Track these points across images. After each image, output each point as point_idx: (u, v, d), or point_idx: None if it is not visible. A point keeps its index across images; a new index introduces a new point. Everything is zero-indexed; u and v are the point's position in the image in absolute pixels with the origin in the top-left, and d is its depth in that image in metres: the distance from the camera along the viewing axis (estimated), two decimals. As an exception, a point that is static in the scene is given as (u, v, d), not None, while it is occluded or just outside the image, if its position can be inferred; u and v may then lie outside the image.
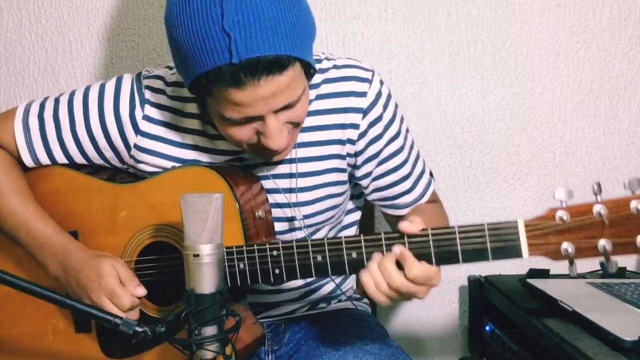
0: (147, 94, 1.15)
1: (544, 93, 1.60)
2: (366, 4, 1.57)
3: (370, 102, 1.13)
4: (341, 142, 1.15)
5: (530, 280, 1.36)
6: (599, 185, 0.88)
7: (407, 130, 1.22)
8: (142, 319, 1.08)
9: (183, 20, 0.93)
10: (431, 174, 1.28)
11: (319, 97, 1.14)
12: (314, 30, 1.02)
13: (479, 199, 1.63)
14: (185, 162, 1.16)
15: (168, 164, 1.16)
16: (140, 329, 0.87)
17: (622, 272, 1.45)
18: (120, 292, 1.03)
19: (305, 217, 1.17)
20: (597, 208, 0.86)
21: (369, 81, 1.14)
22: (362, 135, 1.14)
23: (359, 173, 1.19)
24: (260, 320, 1.22)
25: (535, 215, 0.90)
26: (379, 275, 0.93)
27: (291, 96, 0.98)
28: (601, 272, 1.43)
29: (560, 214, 0.88)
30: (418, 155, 1.24)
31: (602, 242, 0.87)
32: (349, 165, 1.18)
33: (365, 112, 1.13)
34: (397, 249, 0.93)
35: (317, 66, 1.15)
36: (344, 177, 1.19)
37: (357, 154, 1.16)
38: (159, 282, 1.12)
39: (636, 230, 0.85)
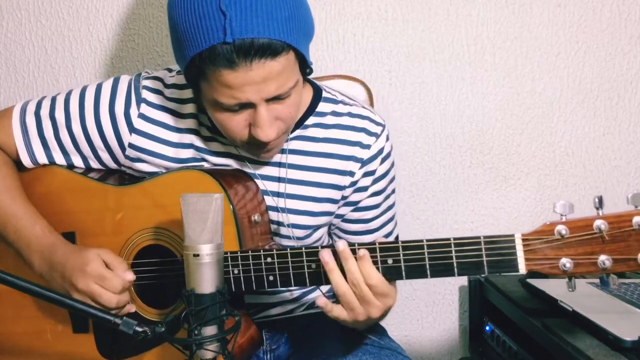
0: (145, 94, 1.16)
1: (544, 93, 1.60)
2: (366, 4, 1.57)
3: (371, 155, 1.16)
4: (338, 187, 1.17)
5: (530, 280, 1.36)
6: (600, 199, 0.86)
7: (393, 191, 1.25)
8: (140, 322, 1.07)
9: (182, 0, 0.95)
10: (397, 240, 1.28)
11: (327, 140, 1.17)
12: (311, 29, 1.03)
13: (479, 199, 1.63)
14: (180, 162, 1.16)
15: (164, 163, 1.16)
16: (140, 329, 0.87)
17: (622, 272, 1.45)
18: (109, 275, 1.03)
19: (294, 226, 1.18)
20: (598, 223, 0.85)
21: (377, 136, 1.17)
22: (353, 183, 1.17)
23: (335, 213, 1.21)
24: (259, 320, 1.22)
25: (535, 215, 0.90)
26: (359, 273, 0.93)
27: (282, 86, 0.98)
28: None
29: (559, 228, 0.87)
30: (391, 218, 1.26)
31: (602, 258, 0.86)
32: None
33: (364, 163, 1.16)
34: (363, 251, 0.93)
35: (332, 108, 1.18)
36: (330, 219, 1.21)
37: (343, 198, 1.19)
38: (155, 285, 1.11)
39: (638, 247, 0.84)
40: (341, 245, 0.93)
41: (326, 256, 0.94)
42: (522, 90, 1.60)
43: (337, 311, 0.96)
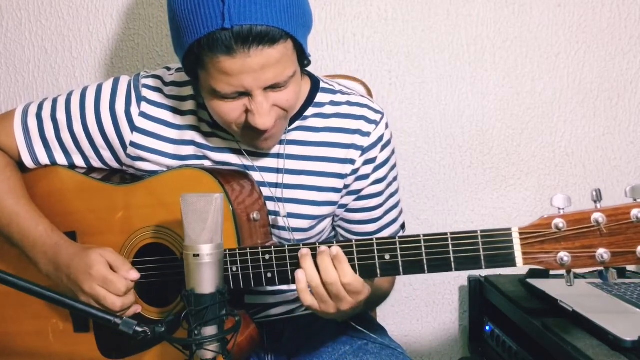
0: (144, 92, 1.16)
1: (544, 93, 1.60)
2: (366, 4, 1.57)
3: (371, 143, 1.16)
4: (340, 176, 1.17)
5: (530, 280, 1.36)
6: (598, 192, 0.85)
7: (395, 179, 1.24)
8: (140, 321, 1.07)
9: None
10: (403, 227, 1.29)
11: (328, 129, 1.17)
12: (310, 20, 1.04)
13: (479, 199, 1.63)
14: (181, 159, 1.17)
15: (165, 161, 1.17)
16: (140, 329, 0.87)
17: (622, 272, 1.45)
18: (112, 277, 1.03)
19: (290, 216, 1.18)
20: (596, 216, 0.84)
21: (376, 123, 1.17)
22: (354, 171, 1.17)
23: (338, 203, 1.20)
24: (259, 320, 1.22)
25: (535, 215, 0.89)
26: (314, 270, 0.94)
27: (281, 74, 0.99)
28: (601, 272, 1.43)
29: (557, 221, 0.86)
30: (395, 205, 1.25)
31: (600, 252, 0.85)
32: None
33: (364, 150, 1.16)
34: (335, 249, 0.94)
35: (331, 98, 1.18)
36: (334, 209, 1.20)
37: (345, 187, 1.18)
38: (155, 284, 1.11)
39: (637, 240, 0.83)
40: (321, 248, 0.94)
41: (304, 250, 0.96)
42: (522, 90, 1.60)
43: (310, 300, 0.97)
